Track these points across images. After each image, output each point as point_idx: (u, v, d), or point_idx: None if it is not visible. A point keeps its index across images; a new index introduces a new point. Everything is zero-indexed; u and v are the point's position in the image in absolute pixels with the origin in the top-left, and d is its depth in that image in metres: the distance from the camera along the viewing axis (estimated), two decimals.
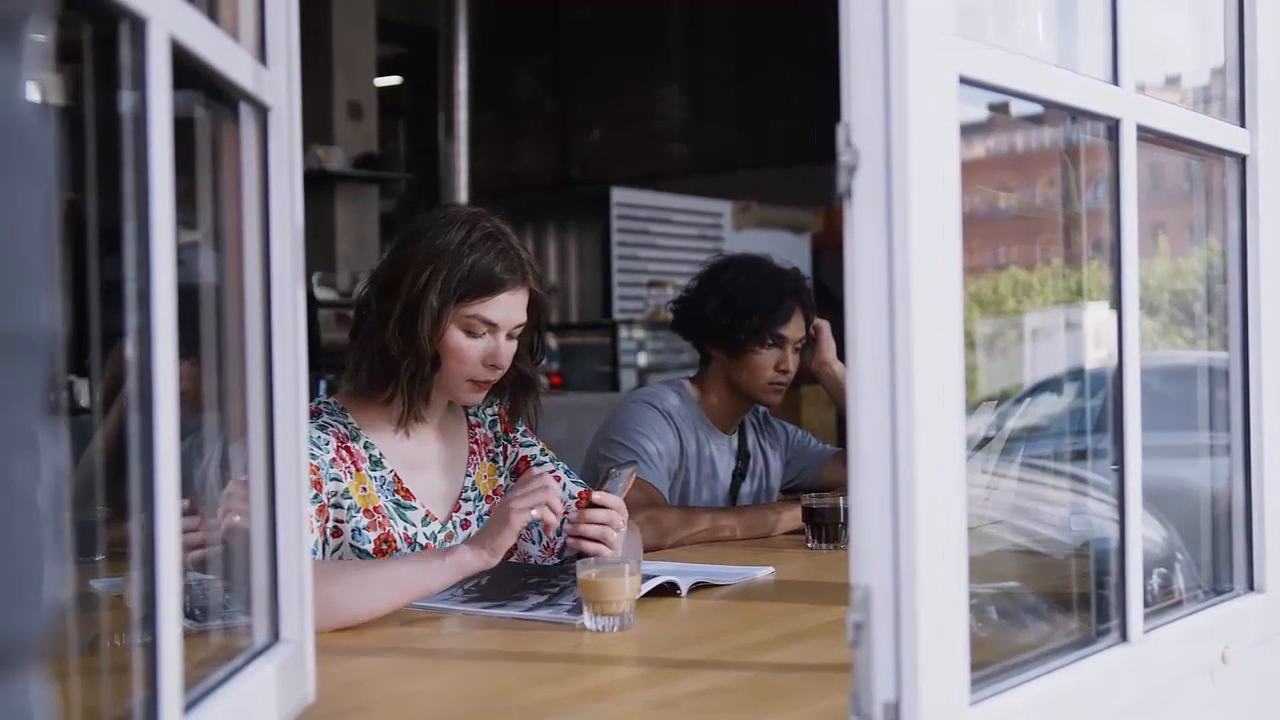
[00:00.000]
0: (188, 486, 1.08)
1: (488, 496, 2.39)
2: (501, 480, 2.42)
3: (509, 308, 2.24)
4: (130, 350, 1.02)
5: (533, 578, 2.18)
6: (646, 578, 2.07)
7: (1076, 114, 1.58)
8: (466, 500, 2.36)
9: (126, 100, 1.03)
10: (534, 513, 2.01)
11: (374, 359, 2.23)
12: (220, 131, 1.35)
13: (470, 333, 2.22)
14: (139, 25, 1.00)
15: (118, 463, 1.08)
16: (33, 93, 0.61)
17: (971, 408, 1.30)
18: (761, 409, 3.24)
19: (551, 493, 2.04)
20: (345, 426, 2.25)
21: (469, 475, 2.38)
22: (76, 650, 1.21)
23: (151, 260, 1.02)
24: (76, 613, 1.28)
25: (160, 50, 1.02)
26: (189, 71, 1.13)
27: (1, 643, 0.58)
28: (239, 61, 1.27)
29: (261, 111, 1.36)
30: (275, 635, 1.39)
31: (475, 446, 2.42)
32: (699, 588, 2.22)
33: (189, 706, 1.11)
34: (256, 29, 1.37)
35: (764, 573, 2.39)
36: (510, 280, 2.23)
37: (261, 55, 1.36)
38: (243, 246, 1.37)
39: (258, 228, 1.37)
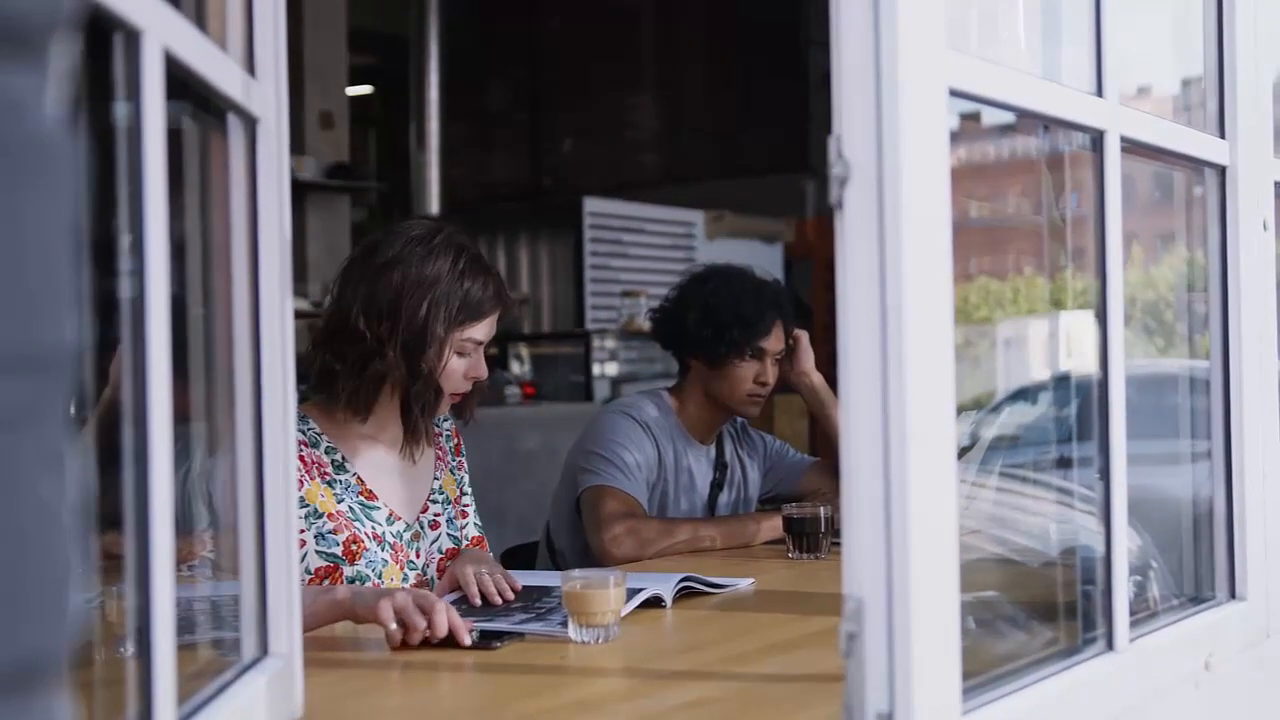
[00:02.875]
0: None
1: (454, 501, 2.49)
2: (458, 490, 2.52)
3: (492, 325, 2.36)
4: (125, 363, 1.01)
5: (517, 600, 2.17)
6: (631, 591, 2.07)
7: (1062, 125, 1.59)
8: (435, 502, 2.45)
9: (119, 110, 1.02)
10: (393, 626, 1.85)
11: (373, 385, 2.29)
12: (208, 142, 1.34)
13: (461, 353, 2.32)
14: (133, 37, 1.00)
15: (98, 474, 1.07)
16: (58, 107, 0.61)
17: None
18: (739, 419, 3.25)
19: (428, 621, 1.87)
20: (304, 433, 2.29)
21: (436, 479, 2.46)
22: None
23: (146, 271, 1.01)
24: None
25: (154, 62, 1.02)
26: (178, 82, 1.12)
27: (31, 659, 0.58)
28: (229, 73, 1.26)
29: (250, 123, 1.35)
30: (264, 649, 1.38)
31: (440, 453, 2.50)
32: (685, 595, 2.22)
33: None
34: (244, 40, 1.36)
35: (746, 584, 2.39)
36: (498, 303, 2.35)
37: (250, 66, 1.36)
38: (230, 257, 1.36)
39: (245, 239, 1.37)
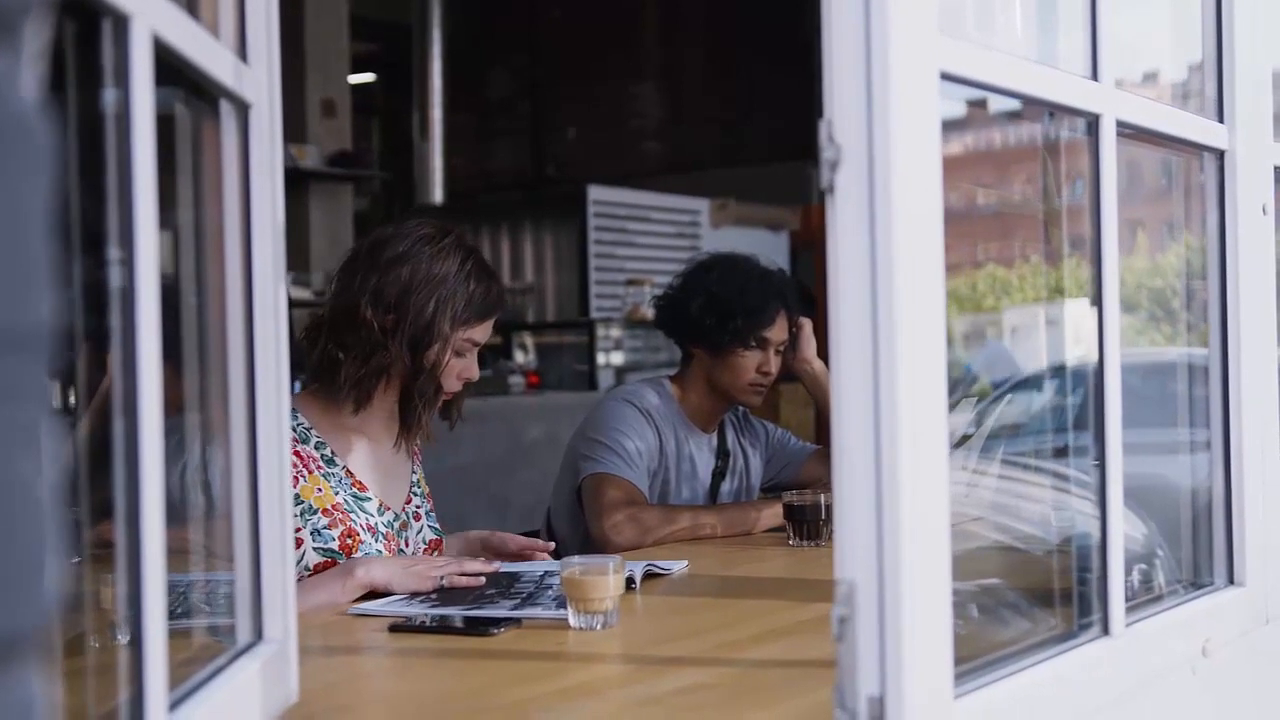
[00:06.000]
0: (166, 488, 1.08)
1: (428, 495, 2.54)
2: (427, 487, 2.57)
3: (489, 328, 2.41)
4: (114, 351, 1.01)
5: (489, 588, 2.17)
6: None
7: (1057, 109, 1.59)
8: (415, 494, 2.50)
9: (108, 97, 1.02)
10: (443, 581, 2.17)
11: (375, 376, 2.32)
12: (200, 129, 1.34)
13: (459, 353, 2.36)
14: (121, 22, 1.00)
15: (95, 464, 1.07)
16: (33, 88, 0.61)
17: (951, 404, 1.31)
18: (741, 407, 3.25)
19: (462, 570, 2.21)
20: (294, 429, 2.30)
21: (415, 472, 2.52)
22: (58, 650, 1.21)
23: (135, 260, 1.01)
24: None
25: (143, 47, 1.02)
26: (169, 68, 1.12)
27: (6, 635, 0.59)
28: (220, 59, 1.26)
29: (242, 109, 1.35)
30: (259, 634, 1.38)
31: (416, 450, 2.54)
32: (680, 582, 2.25)
33: (173, 705, 1.10)
34: (236, 26, 1.36)
35: (679, 566, 2.42)
36: (499, 307, 2.40)
37: (242, 52, 1.36)
38: (223, 245, 1.36)
39: (239, 226, 1.37)
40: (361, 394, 2.33)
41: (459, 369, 2.37)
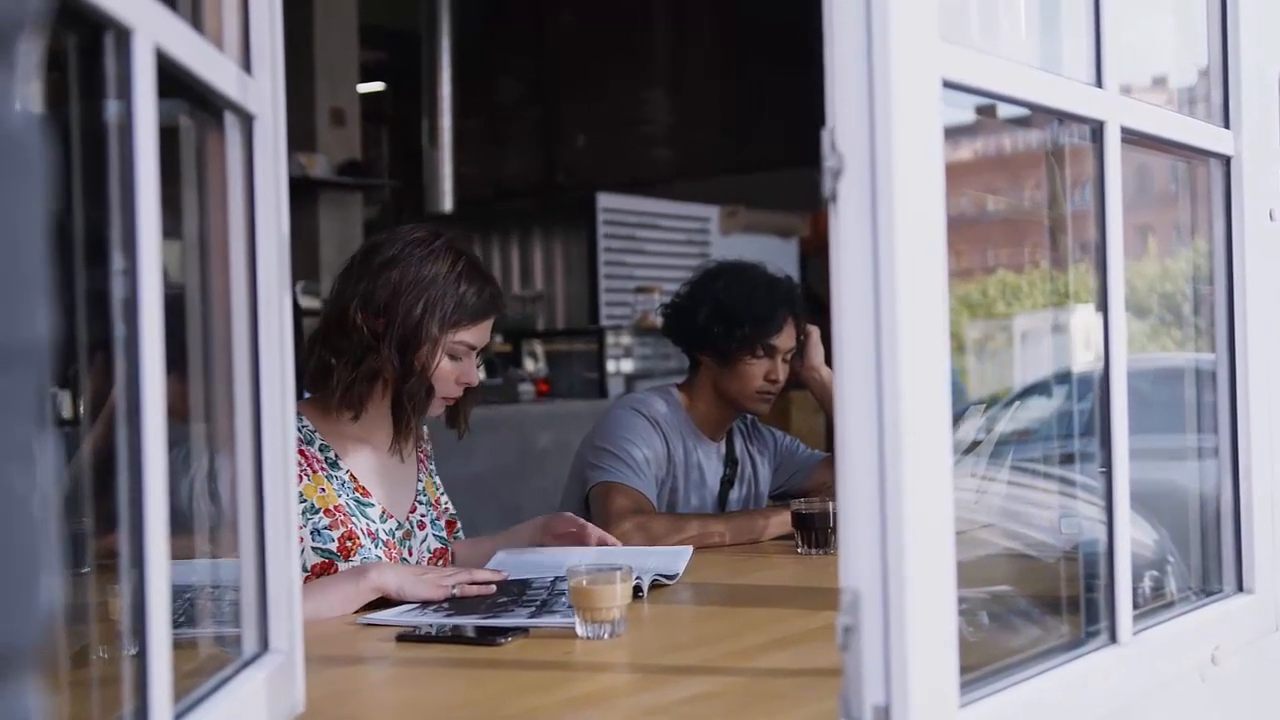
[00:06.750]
0: (175, 499, 1.08)
1: (434, 504, 2.53)
2: (438, 493, 2.56)
3: (487, 331, 2.40)
4: (117, 361, 1.02)
5: (501, 597, 2.17)
6: None
7: (1061, 116, 1.58)
8: (421, 503, 2.49)
9: (111, 109, 1.03)
10: (455, 590, 2.17)
11: (367, 380, 2.32)
12: (205, 140, 1.34)
13: (453, 357, 2.36)
14: (124, 35, 1.00)
15: (103, 475, 1.08)
16: (27, 103, 0.61)
17: (960, 411, 1.31)
18: (750, 415, 3.24)
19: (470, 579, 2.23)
20: (299, 431, 2.31)
21: (420, 481, 2.51)
22: (65, 662, 1.21)
23: (138, 271, 1.02)
24: (64, 625, 1.28)
25: (145, 60, 1.02)
26: (173, 80, 1.12)
27: (1, 650, 0.59)
28: (224, 70, 1.27)
29: (246, 120, 1.36)
30: (264, 645, 1.38)
31: (422, 458, 2.54)
32: (655, 587, 2.27)
33: (178, 716, 1.11)
34: (241, 37, 1.36)
35: (684, 557, 2.43)
36: (494, 309, 2.39)
37: (246, 64, 1.36)
38: (228, 256, 1.37)
39: (243, 237, 1.37)
40: (354, 399, 2.32)
41: (456, 373, 2.36)
